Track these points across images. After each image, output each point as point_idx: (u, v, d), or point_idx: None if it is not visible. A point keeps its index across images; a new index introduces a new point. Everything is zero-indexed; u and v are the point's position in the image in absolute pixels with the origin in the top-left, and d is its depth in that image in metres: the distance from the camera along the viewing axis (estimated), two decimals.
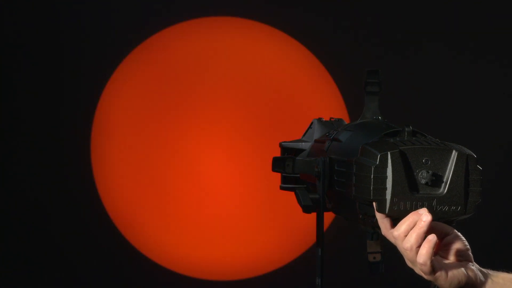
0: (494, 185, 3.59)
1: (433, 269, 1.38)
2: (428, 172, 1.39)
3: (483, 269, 1.49)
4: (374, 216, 1.42)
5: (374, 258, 1.59)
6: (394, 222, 1.44)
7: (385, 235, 1.45)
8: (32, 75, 3.50)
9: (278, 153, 1.91)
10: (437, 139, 1.45)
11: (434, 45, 3.64)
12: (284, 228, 3.50)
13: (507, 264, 3.78)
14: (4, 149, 3.51)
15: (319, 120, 1.85)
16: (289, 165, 1.70)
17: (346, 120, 1.86)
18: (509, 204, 3.65)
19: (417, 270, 1.41)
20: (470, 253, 1.47)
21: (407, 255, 1.42)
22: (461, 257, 1.45)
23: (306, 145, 1.83)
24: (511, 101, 3.67)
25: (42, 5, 3.48)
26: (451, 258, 1.45)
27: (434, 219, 1.41)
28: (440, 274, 1.39)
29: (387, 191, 1.39)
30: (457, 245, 1.45)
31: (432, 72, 3.65)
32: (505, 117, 3.66)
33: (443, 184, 1.40)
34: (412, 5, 3.65)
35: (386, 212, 1.39)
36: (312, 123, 1.86)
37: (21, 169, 3.52)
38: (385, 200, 1.39)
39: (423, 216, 1.37)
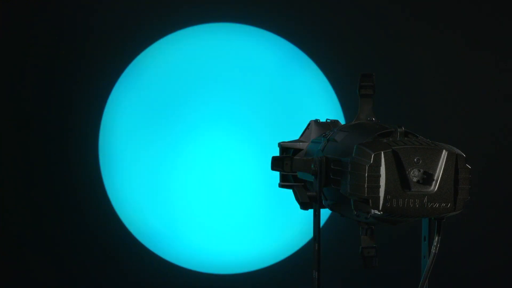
0: (484, 183, 3.63)
1: None
2: (419, 171, 1.43)
3: None
4: (368, 212, 1.45)
5: (368, 252, 1.63)
6: (388, 219, 1.49)
7: None
8: (38, 77, 3.50)
9: (277, 153, 1.95)
10: (428, 139, 1.49)
11: (428, 47, 3.64)
12: (283, 224, 3.51)
13: (497, 260, 3.83)
14: (12, 149, 3.50)
15: (316, 121, 1.89)
16: (287, 164, 1.74)
17: (342, 121, 1.90)
18: (499, 201, 3.67)
19: None
20: None
21: None
22: None
23: (303, 145, 1.87)
24: (501, 101, 3.68)
25: (49, 7, 3.49)
26: None
27: (425, 215, 1.45)
28: None
29: (380, 189, 1.43)
30: None
31: (425, 75, 3.66)
32: (497, 117, 3.68)
33: (433, 182, 1.44)
34: (407, 7, 3.65)
35: (380, 208, 1.43)
36: (309, 124, 1.90)
37: (28, 169, 3.51)
38: (379, 197, 1.43)
39: None
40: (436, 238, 1.52)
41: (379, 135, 1.52)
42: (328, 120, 1.89)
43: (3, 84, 3.52)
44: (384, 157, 1.43)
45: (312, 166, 1.65)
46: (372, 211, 1.44)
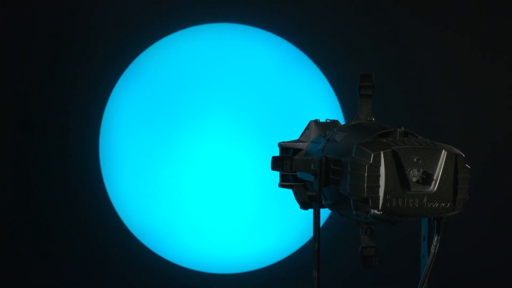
0: (482, 183, 3.63)
1: None
2: (419, 171, 1.43)
3: None
4: (368, 212, 1.45)
5: (368, 252, 1.63)
6: (388, 219, 1.49)
7: None
8: (38, 77, 3.51)
9: (277, 153, 1.95)
10: (427, 139, 1.49)
11: (428, 47, 3.65)
12: (283, 223, 3.52)
13: (497, 260, 3.84)
14: (12, 149, 3.51)
15: (316, 121, 1.90)
16: (287, 164, 1.75)
17: (341, 121, 1.91)
18: (497, 201, 3.67)
19: None
20: None
21: None
22: None
23: (303, 145, 1.87)
24: (500, 101, 3.69)
25: (49, 7, 3.49)
26: None
27: (425, 215, 1.45)
28: None
29: (380, 189, 1.43)
30: None
31: (425, 75, 3.66)
32: (497, 117, 3.68)
33: (433, 182, 1.44)
34: (407, 7, 3.66)
35: (379, 208, 1.43)
36: (309, 124, 1.91)
37: (31, 170, 3.52)
38: (378, 197, 1.43)
39: None
40: (436, 237, 1.53)
41: (379, 135, 1.52)
42: (328, 120, 1.89)
43: (3, 85, 3.52)
44: (384, 157, 1.43)
45: (312, 166, 1.65)
46: (372, 211, 1.44)
